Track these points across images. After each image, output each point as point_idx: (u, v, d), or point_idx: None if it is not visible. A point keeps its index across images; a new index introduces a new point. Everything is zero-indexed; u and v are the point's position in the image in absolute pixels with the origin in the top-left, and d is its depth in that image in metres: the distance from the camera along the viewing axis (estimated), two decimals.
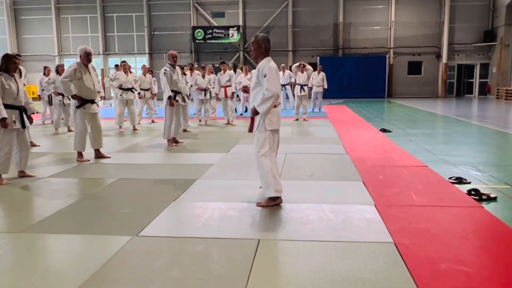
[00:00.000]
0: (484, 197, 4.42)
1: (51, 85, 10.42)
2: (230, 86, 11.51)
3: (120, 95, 10.50)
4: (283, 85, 15.10)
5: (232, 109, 11.65)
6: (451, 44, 24.08)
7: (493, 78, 23.71)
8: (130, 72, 10.92)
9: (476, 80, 24.79)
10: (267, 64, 4.13)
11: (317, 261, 2.94)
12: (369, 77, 24.24)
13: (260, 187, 4.40)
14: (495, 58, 23.45)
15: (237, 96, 14.61)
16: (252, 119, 4.24)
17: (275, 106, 4.19)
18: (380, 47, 24.69)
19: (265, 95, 4.03)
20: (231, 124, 11.37)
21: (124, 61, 11.07)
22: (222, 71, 11.60)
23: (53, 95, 10.53)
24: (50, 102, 11.05)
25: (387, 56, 24.49)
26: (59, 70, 9.76)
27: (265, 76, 4.05)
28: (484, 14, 23.84)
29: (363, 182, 5.05)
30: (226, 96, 11.53)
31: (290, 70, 15.22)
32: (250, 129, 4.27)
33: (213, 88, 11.85)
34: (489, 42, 23.52)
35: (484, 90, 24.42)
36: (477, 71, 24.66)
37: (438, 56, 24.44)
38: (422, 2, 24.21)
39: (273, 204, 4.16)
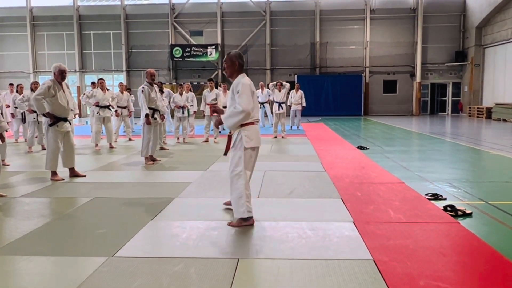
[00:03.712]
0: (459, 213, 4.49)
1: (25, 103, 10.22)
2: (216, 104, 11.50)
3: (97, 113, 10.39)
4: (262, 103, 15.19)
5: (217, 127, 11.68)
6: (424, 63, 24.77)
7: (465, 97, 24.41)
8: (107, 89, 10.84)
9: (449, 99, 25.47)
10: (241, 80, 4.07)
11: (297, 279, 2.91)
12: (346, 95, 24.63)
13: (225, 204, 4.56)
14: (467, 77, 24.20)
15: None
16: (229, 140, 4.13)
17: (253, 123, 4.09)
18: (356, 66, 25.19)
19: (235, 109, 3.96)
20: (214, 141, 11.35)
21: (101, 79, 10.96)
22: (209, 89, 11.59)
23: (26, 112, 10.32)
24: (23, 120, 10.82)
25: (363, 75, 24.98)
26: (33, 87, 9.60)
27: (238, 92, 3.99)
28: (455, 35, 24.67)
29: (341, 199, 5.07)
30: (211, 114, 11.50)
31: (268, 88, 15.34)
32: (226, 151, 4.23)
33: (191, 106, 11.83)
34: (461, 62, 24.30)
35: (457, 108, 25.09)
36: (449, 89, 25.35)
37: (412, 75, 25.06)
38: (396, 23, 24.91)
39: (245, 224, 4.07)
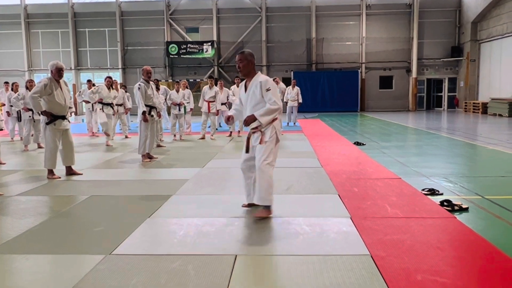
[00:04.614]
0: (456, 207, 4.51)
1: (20, 101, 10.17)
2: (213, 101, 11.49)
3: (100, 109, 10.51)
4: None
5: (214, 124, 11.69)
6: (420, 59, 24.78)
7: (461, 92, 24.46)
8: (112, 88, 10.98)
9: (445, 94, 25.52)
10: (266, 78, 4.20)
11: (294, 275, 2.92)
12: (342, 91, 24.64)
13: (247, 205, 4.49)
14: (462, 72, 24.25)
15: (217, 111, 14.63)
16: (249, 140, 4.25)
17: (277, 118, 4.28)
18: (352, 62, 25.18)
19: (271, 106, 4.07)
20: (211, 138, 11.37)
21: (109, 77, 11.06)
22: (209, 86, 11.58)
23: (22, 111, 10.29)
24: (19, 119, 10.78)
25: (359, 70, 24.98)
26: (28, 85, 9.57)
27: (268, 89, 4.09)
28: (450, 31, 24.69)
29: (338, 195, 5.08)
30: (209, 110, 11.51)
31: None
32: (247, 149, 4.29)
33: (187, 103, 11.81)
34: (456, 57, 24.33)
35: (453, 103, 25.14)
36: (445, 85, 25.40)
37: (408, 70, 25.09)
38: (392, 19, 24.90)
39: (270, 213, 4.22)
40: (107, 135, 10.47)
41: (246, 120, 4.18)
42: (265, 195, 4.15)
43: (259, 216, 4.20)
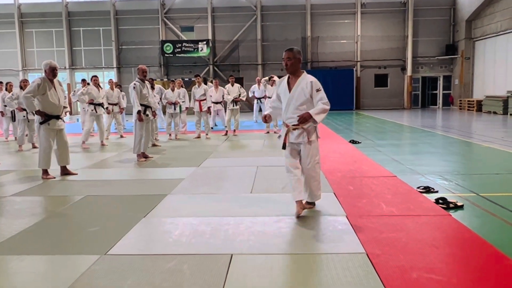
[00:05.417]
0: (451, 205, 4.53)
1: (14, 101, 10.12)
2: (205, 100, 11.42)
3: (92, 110, 10.38)
4: (259, 98, 15.02)
5: (207, 123, 11.62)
6: (415, 57, 24.86)
7: (456, 90, 24.56)
8: (100, 87, 10.85)
9: (440, 92, 25.61)
10: (314, 78, 4.24)
11: (290, 274, 2.92)
12: (338, 89, 24.59)
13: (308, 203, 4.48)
14: (457, 70, 24.34)
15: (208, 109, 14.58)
16: (286, 136, 4.27)
17: None
18: (348, 60, 25.21)
19: (325, 105, 4.15)
20: (206, 137, 11.33)
21: (95, 76, 10.90)
22: (197, 85, 11.50)
23: (16, 111, 10.23)
24: (13, 118, 10.72)
25: (354, 69, 25.01)
26: (22, 85, 9.52)
27: (319, 90, 4.17)
28: (445, 29, 24.78)
29: (334, 193, 5.08)
30: (200, 110, 11.44)
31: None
32: (284, 145, 4.33)
33: (183, 102, 11.78)
34: (451, 55, 24.42)
35: (448, 101, 25.24)
36: (440, 83, 25.49)
37: (403, 68, 25.15)
38: (386, 17, 24.95)
39: (314, 205, 4.51)
40: (83, 142, 10.12)
41: (304, 117, 4.07)
42: (318, 192, 4.40)
43: (310, 207, 4.44)
